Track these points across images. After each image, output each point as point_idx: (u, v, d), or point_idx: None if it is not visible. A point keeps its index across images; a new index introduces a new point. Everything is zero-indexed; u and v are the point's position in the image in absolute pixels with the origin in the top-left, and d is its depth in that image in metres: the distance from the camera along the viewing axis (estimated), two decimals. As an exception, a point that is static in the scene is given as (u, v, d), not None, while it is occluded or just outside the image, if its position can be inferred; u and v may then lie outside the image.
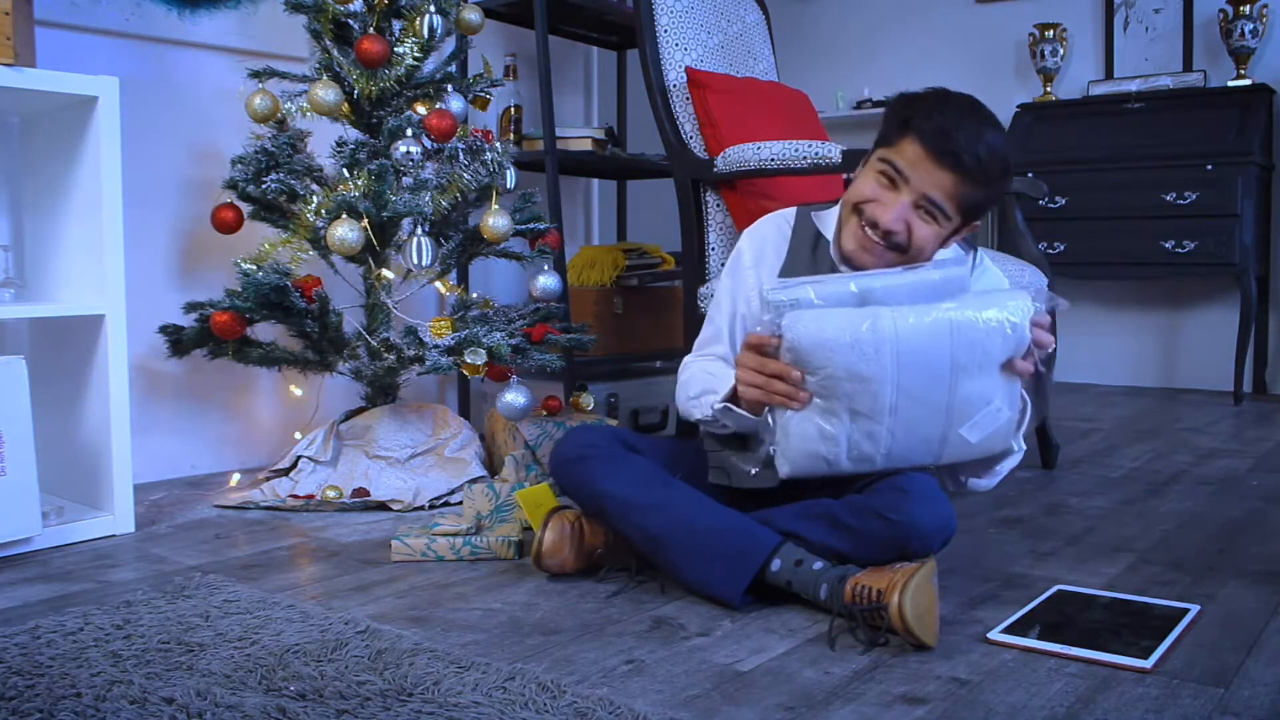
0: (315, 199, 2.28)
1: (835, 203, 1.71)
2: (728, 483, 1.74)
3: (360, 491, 2.26)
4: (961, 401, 1.45)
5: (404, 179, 2.27)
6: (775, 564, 1.51)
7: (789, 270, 1.69)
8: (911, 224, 1.53)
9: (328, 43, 2.35)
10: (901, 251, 1.55)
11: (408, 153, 2.26)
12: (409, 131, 2.29)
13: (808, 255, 1.69)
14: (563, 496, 1.87)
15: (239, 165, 2.31)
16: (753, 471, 1.59)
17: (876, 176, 1.55)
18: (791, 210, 1.76)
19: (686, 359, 1.78)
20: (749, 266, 1.73)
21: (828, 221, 1.70)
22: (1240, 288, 3.74)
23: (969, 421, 1.47)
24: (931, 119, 1.49)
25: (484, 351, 2.22)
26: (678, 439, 2.15)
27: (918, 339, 1.41)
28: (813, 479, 1.64)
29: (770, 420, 1.50)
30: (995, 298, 1.46)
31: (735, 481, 1.70)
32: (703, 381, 1.67)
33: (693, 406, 1.68)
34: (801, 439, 1.47)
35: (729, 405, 1.57)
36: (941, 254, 1.64)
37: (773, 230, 1.75)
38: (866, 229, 1.55)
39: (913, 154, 1.50)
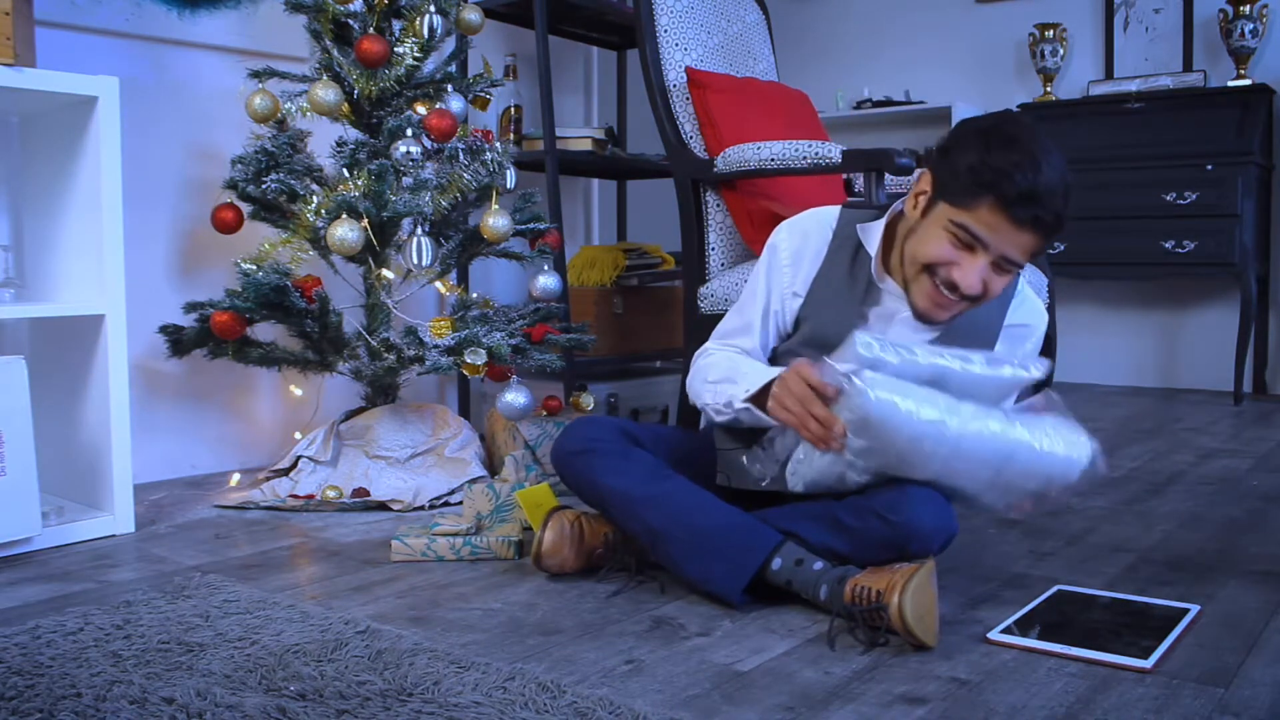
0: (315, 199, 2.28)
1: (879, 213, 1.66)
2: (728, 484, 1.74)
3: (360, 491, 2.26)
4: (981, 497, 1.46)
5: (404, 179, 2.27)
6: (776, 562, 1.51)
7: (824, 277, 1.64)
8: (990, 282, 1.48)
9: (328, 43, 2.35)
10: (975, 302, 1.51)
11: (408, 153, 2.26)
12: (409, 131, 2.29)
13: (846, 265, 1.63)
14: (563, 495, 1.87)
15: (239, 165, 2.31)
16: (764, 484, 1.59)
17: (950, 238, 1.47)
18: (833, 211, 1.69)
19: (707, 345, 1.73)
20: (786, 265, 1.67)
21: (872, 235, 1.63)
22: (1240, 288, 3.73)
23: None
24: (1015, 183, 1.40)
25: (484, 351, 2.22)
26: (681, 429, 2.14)
27: (977, 450, 1.39)
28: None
29: (791, 439, 1.49)
30: (1066, 435, 1.42)
31: (739, 484, 1.70)
32: (726, 369, 1.62)
33: (706, 390, 1.64)
34: (822, 474, 1.50)
35: (750, 406, 1.55)
36: None
37: (814, 231, 1.67)
38: (943, 289, 1.49)
39: (993, 220, 1.42)
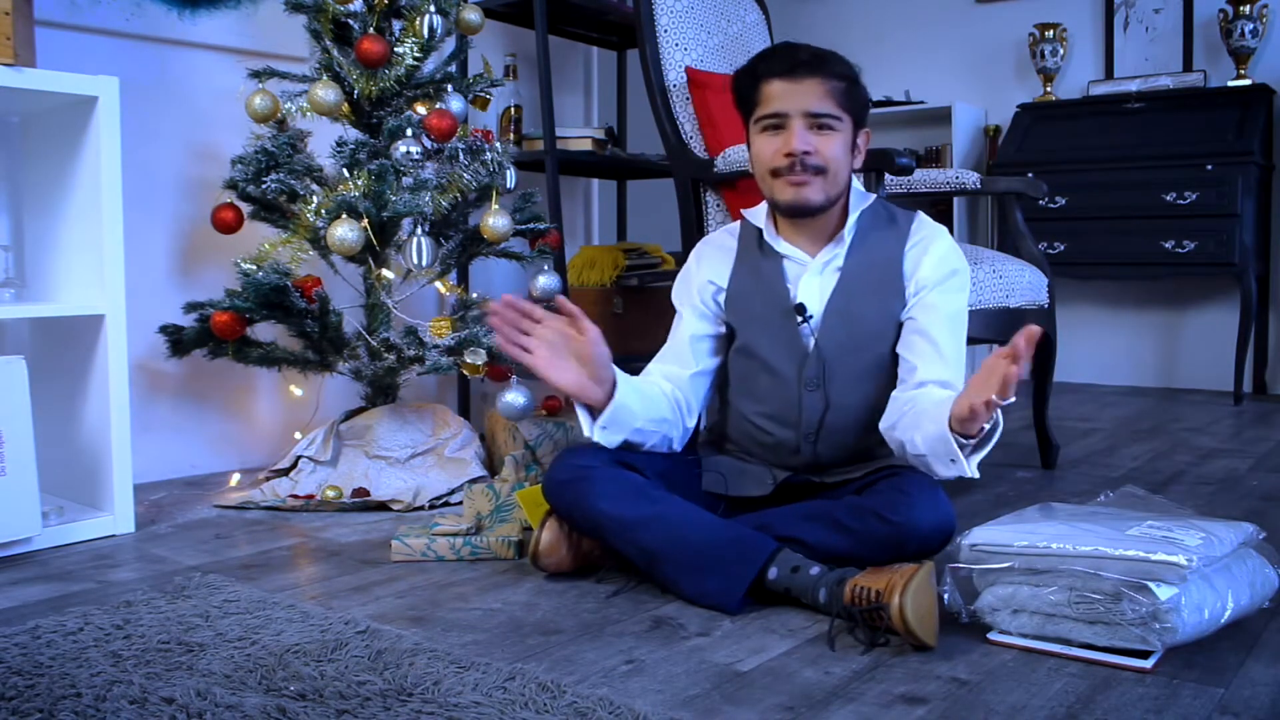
0: (315, 199, 2.28)
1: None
2: (724, 491, 1.73)
3: (360, 491, 2.26)
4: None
5: (404, 179, 2.27)
6: (772, 572, 1.50)
7: (738, 276, 1.76)
8: (816, 143, 1.63)
9: (328, 43, 2.35)
10: (822, 173, 1.63)
11: (408, 153, 2.26)
12: (409, 131, 2.29)
13: (754, 249, 1.77)
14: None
15: (239, 165, 2.31)
16: (770, 481, 1.58)
17: (764, 135, 1.66)
18: (735, 224, 1.84)
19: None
20: (693, 265, 1.84)
21: (757, 213, 1.78)
22: (1240, 288, 3.73)
23: None
24: (772, 58, 1.65)
25: (484, 351, 2.22)
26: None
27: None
28: (800, 484, 1.64)
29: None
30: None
31: (737, 491, 1.70)
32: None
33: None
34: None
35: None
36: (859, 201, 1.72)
37: (718, 238, 1.84)
38: (785, 173, 1.64)
39: (775, 90, 1.63)
